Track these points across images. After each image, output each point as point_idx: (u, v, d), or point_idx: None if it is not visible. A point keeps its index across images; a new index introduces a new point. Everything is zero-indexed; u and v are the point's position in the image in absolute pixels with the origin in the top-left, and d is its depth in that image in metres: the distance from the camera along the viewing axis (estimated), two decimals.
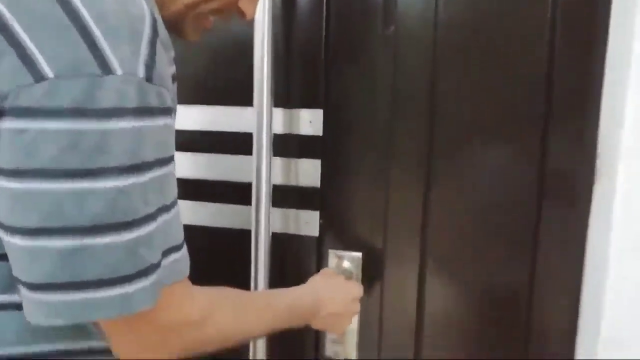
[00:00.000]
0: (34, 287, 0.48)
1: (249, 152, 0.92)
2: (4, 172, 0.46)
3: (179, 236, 0.56)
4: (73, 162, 0.46)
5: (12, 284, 0.51)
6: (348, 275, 0.95)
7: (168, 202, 0.53)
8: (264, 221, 0.91)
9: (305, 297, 0.78)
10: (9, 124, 0.45)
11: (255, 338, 0.72)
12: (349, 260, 0.96)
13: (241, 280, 0.87)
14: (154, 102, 0.50)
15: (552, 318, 0.88)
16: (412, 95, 0.91)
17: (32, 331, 0.53)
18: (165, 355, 0.56)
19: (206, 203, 1.00)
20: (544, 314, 0.88)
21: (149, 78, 0.49)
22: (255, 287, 0.91)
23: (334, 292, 0.82)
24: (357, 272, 0.95)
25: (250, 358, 0.92)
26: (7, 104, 0.45)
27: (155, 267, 0.51)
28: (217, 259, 0.96)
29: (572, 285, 0.86)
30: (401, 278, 0.94)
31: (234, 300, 0.66)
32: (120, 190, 0.47)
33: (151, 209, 0.50)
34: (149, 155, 0.50)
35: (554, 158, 0.85)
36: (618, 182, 0.71)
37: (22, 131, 0.45)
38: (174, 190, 0.55)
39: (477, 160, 0.89)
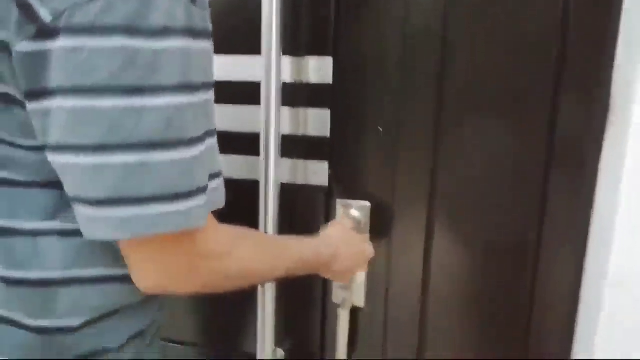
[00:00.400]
0: (97, 202, 0.50)
1: (257, 102, 0.90)
2: (61, 90, 0.47)
3: (219, 164, 0.58)
4: (129, 79, 0.47)
5: (56, 212, 0.55)
6: (356, 224, 0.96)
7: (212, 127, 0.56)
8: (273, 172, 0.91)
9: (323, 250, 0.80)
10: (65, 42, 0.46)
11: (270, 280, 0.74)
12: (357, 209, 0.97)
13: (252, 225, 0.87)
14: (199, 24, 0.51)
15: (558, 274, 0.89)
16: (424, 41, 0.88)
17: (74, 256, 0.56)
18: (188, 286, 0.58)
19: None
20: (550, 271, 0.89)
21: (193, 1, 0.50)
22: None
23: (348, 249, 0.84)
24: (366, 221, 0.96)
25: (258, 303, 0.95)
26: (62, 22, 0.46)
27: (205, 188, 0.54)
28: (226, 210, 0.97)
29: (579, 241, 0.86)
30: (409, 228, 0.95)
31: (255, 239, 0.69)
32: (175, 108, 0.50)
33: (201, 131, 0.53)
34: (197, 77, 0.52)
35: (563, 122, 0.84)
36: (628, 147, 0.70)
37: (78, 49, 0.46)
38: (214, 118, 0.57)
39: (487, 117, 0.88)
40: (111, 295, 0.59)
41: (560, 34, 0.82)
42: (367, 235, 0.94)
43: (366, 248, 0.89)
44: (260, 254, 0.66)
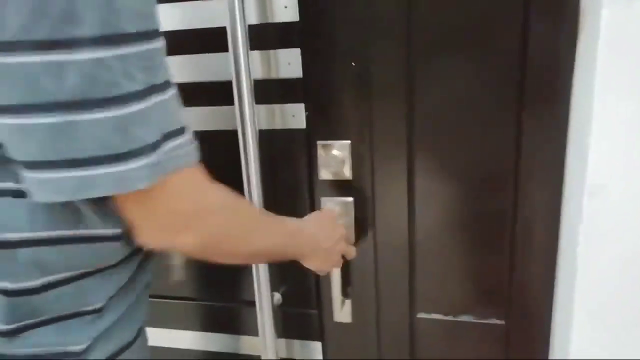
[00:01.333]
0: (30, 165, 0.48)
1: (224, 48, 0.87)
2: None
3: (178, 121, 0.54)
4: (42, 32, 0.43)
5: (8, 172, 0.52)
6: (338, 164, 0.96)
7: (159, 82, 0.51)
8: (249, 119, 0.89)
9: (307, 228, 0.80)
10: None
11: (261, 253, 0.72)
12: (338, 148, 0.96)
13: (234, 182, 0.87)
14: None
15: (538, 195, 0.90)
16: None
17: (30, 217, 0.54)
18: (190, 237, 0.57)
19: (187, 108, 0.96)
20: (531, 191, 0.90)
21: None
22: (248, 187, 0.92)
23: (328, 230, 0.84)
24: (347, 160, 0.96)
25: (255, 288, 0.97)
26: None
27: (152, 147, 0.50)
28: (207, 163, 0.95)
29: (557, 160, 0.87)
30: (390, 163, 0.95)
31: (248, 206, 0.69)
32: (98, 63, 0.45)
33: (138, 87, 0.49)
34: (127, 27, 0.47)
35: (534, 45, 0.82)
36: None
37: None
38: (165, 70, 0.52)
39: (460, 58, 0.86)
40: (74, 257, 0.58)
41: None
42: (343, 229, 0.91)
43: (339, 227, 0.88)
44: (254, 216, 0.67)
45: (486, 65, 0.86)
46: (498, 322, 1.00)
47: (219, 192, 0.60)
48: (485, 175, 0.92)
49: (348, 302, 1.06)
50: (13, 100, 0.45)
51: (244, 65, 0.86)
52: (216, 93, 0.94)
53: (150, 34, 0.50)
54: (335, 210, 0.98)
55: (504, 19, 0.83)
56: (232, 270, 1.10)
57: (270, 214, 0.77)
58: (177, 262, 1.14)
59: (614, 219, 0.74)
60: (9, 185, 0.53)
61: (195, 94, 0.96)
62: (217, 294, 1.14)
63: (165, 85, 0.52)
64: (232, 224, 0.62)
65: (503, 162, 0.90)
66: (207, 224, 0.58)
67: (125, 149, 0.48)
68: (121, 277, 0.64)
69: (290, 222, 0.77)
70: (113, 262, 0.61)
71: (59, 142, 0.46)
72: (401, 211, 0.97)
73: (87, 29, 0.44)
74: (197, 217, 0.57)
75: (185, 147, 0.55)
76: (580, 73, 0.80)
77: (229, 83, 0.88)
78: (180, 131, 0.54)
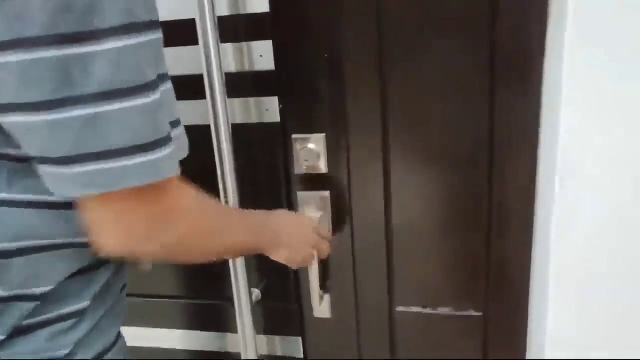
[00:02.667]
0: (61, 161, 0.47)
1: (194, 41, 0.85)
2: (2, 45, 0.44)
3: (177, 110, 0.55)
4: (68, 26, 0.44)
5: (11, 183, 0.52)
6: (315, 158, 0.95)
7: (165, 71, 0.52)
8: (222, 113, 0.87)
9: (272, 219, 0.79)
10: None
11: (230, 250, 0.73)
12: (313, 142, 0.95)
13: (208, 178, 0.85)
14: None
15: (512, 174, 0.90)
16: None
17: (25, 227, 0.53)
18: (150, 245, 0.55)
19: None
20: (505, 172, 0.90)
21: None
22: (223, 182, 0.90)
23: (294, 222, 0.84)
24: (323, 152, 0.95)
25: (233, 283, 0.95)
26: None
27: (169, 137, 0.51)
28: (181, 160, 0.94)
29: (531, 139, 0.87)
30: (366, 153, 0.94)
31: (216, 204, 0.68)
32: (123, 51, 0.46)
33: (154, 75, 0.50)
34: (143, 15, 0.48)
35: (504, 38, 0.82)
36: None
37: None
38: (165, 60, 0.53)
39: (432, 46, 0.86)
40: (62, 263, 0.57)
41: None
42: (316, 222, 0.91)
43: (306, 219, 0.88)
44: (221, 220, 0.66)
45: (457, 52, 0.85)
46: (476, 314, 1.00)
47: (188, 195, 0.59)
48: (460, 164, 0.92)
49: (327, 297, 1.05)
50: (43, 97, 0.45)
51: (215, 59, 0.85)
52: (188, 87, 0.92)
53: (157, 24, 0.51)
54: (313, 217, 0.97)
55: (474, 5, 0.82)
56: (211, 267, 1.09)
57: (234, 209, 0.77)
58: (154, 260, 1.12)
59: (586, 203, 0.74)
60: (13, 197, 0.52)
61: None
62: (196, 291, 1.13)
63: (167, 75, 0.54)
64: (197, 228, 0.60)
65: (477, 149, 0.90)
66: (174, 229, 0.56)
67: (153, 138, 0.49)
68: (101, 279, 0.63)
69: (254, 217, 0.76)
70: (92, 263, 0.60)
71: (89, 134, 0.46)
72: (378, 204, 0.96)
73: (109, 20, 0.45)
74: (166, 221, 0.55)
75: (182, 138, 0.56)
76: (550, 58, 0.79)
77: (201, 77, 0.86)
78: (179, 121, 0.56)
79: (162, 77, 0.52)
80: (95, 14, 0.44)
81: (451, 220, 0.95)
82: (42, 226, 0.54)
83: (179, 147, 0.54)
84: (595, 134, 0.71)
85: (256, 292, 1.06)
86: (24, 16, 0.43)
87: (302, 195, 0.98)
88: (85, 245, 0.56)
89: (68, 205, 0.53)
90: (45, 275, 0.57)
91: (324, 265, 1.02)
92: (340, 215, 0.99)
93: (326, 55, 0.89)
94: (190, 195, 0.59)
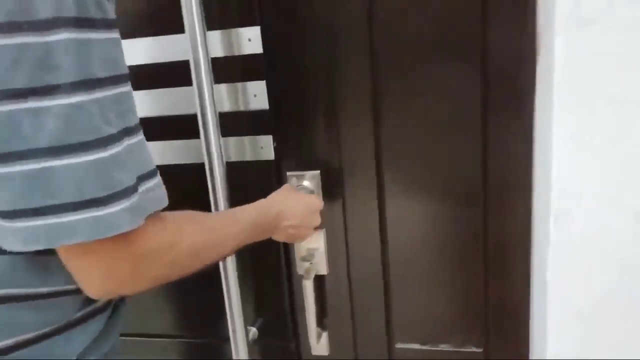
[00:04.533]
0: (5, 215, 0.47)
1: (189, 82, 0.87)
2: None
3: (149, 163, 0.54)
4: (20, 80, 0.44)
5: None
6: (310, 192, 0.95)
7: (131, 125, 0.51)
8: (216, 151, 0.88)
9: (267, 210, 0.78)
10: None
11: (225, 255, 0.72)
12: (308, 179, 0.96)
13: None
14: (94, 12, 0.47)
15: (508, 211, 0.90)
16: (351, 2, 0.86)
17: (32, 273, 0.53)
18: (139, 285, 0.55)
19: (154, 142, 0.96)
20: (500, 210, 0.90)
21: None
22: None
23: (293, 205, 0.83)
24: (318, 190, 0.95)
25: (223, 286, 0.94)
26: None
27: (130, 190, 0.49)
28: (177, 196, 0.94)
29: (524, 178, 0.87)
30: (361, 189, 0.94)
31: (200, 219, 0.65)
32: (75, 107, 0.46)
33: (113, 130, 0.49)
34: (99, 72, 0.48)
35: (494, 52, 0.83)
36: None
37: None
38: (134, 114, 0.52)
39: (423, 66, 0.87)
40: (46, 314, 0.56)
41: None
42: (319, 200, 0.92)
43: (311, 200, 0.88)
44: (207, 234, 0.64)
45: (449, 89, 0.86)
46: (476, 350, 0.98)
47: (164, 230, 0.57)
48: (455, 203, 0.92)
49: (325, 334, 1.03)
50: None
51: (209, 98, 0.86)
52: (184, 126, 0.94)
53: (121, 78, 0.51)
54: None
55: (465, 39, 0.84)
56: (208, 305, 1.08)
57: (224, 215, 0.77)
58: (151, 299, 1.11)
59: (580, 243, 0.73)
60: None
61: (163, 127, 0.96)
62: (192, 330, 1.12)
63: (136, 128, 0.53)
64: (182, 255, 0.59)
65: (472, 187, 0.90)
66: (158, 265, 0.55)
67: (104, 193, 0.48)
68: (94, 328, 0.61)
69: (248, 214, 0.75)
70: (78, 315, 0.59)
71: (35, 189, 0.46)
72: (374, 241, 0.96)
73: (64, 75, 0.45)
74: (147, 261, 0.54)
75: (158, 189, 0.54)
76: (540, 97, 0.80)
77: (195, 116, 0.88)
78: (152, 173, 0.54)
79: (128, 131, 0.51)
80: (47, 70, 0.44)
81: (448, 257, 0.95)
82: (16, 273, 0.53)
83: (151, 198, 0.53)
84: (589, 171, 0.71)
85: (252, 330, 1.05)
86: None
87: None
88: (63, 294, 0.55)
89: (42, 252, 0.51)
90: (19, 328, 0.55)
91: (321, 302, 1.01)
92: (336, 252, 0.99)
93: (319, 94, 0.91)
94: (171, 227, 0.57)
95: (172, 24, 0.86)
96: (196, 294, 1.08)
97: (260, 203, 0.80)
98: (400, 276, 0.98)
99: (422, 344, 1.00)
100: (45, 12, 0.44)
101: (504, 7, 0.81)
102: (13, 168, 0.45)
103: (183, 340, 1.13)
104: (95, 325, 0.61)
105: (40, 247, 0.48)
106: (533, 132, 0.83)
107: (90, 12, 0.47)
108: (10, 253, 0.50)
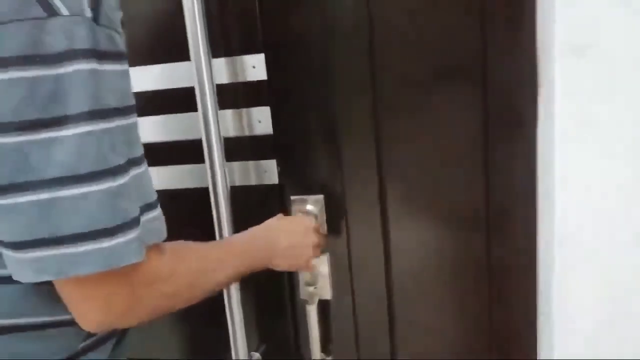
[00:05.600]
0: (15, 245, 0.47)
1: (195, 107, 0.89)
2: None
3: (152, 194, 0.54)
4: (31, 112, 0.44)
5: None
6: (314, 216, 0.95)
7: (137, 155, 0.52)
8: (220, 176, 0.89)
9: (259, 234, 0.78)
10: None
11: (221, 286, 0.72)
12: (311, 203, 0.96)
13: (208, 239, 0.86)
14: (104, 45, 0.48)
15: (511, 236, 0.89)
16: (351, 25, 0.87)
17: (39, 302, 0.52)
18: (134, 318, 0.55)
19: (159, 167, 0.97)
20: (504, 233, 0.90)
21: (95, 19, 0.47)
22: None
23: (286, 225, 0.83)
24: (322, 214, 0.95)
25: (226, 311, 0.94)
26: None
27: (136, 221, 0.50)
28: (181, 221, 0.95)
29: (528, 220, 0.87)
30: (364, 214, 0.95)
31: (195, 248, 0.65)
32: (85, 136, 0.46)
33: (122, 160, 0.49)
34: (110, 102, 0.48)
35: (494, 79, 0.84)
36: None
37: None
38: (140, 144, 0.53)
39: (423, 94, 0.88)
40: (46, 345, 0.56)
41: None
42: (314, 221, 0.92)
43: (302, 219, 0.87)
44: (203, 261, 0.64)
45: (451, 116, 0.87)
46: None
47: (168, 256, 0.57)
48: (458, 225, 0.91)
49: None
50: (1, 181, 0.45)
51: (214, 124, 0.87)
52: (189, 151, 0.95)
53: (129, 109, 0.51)
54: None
55: (465, 66, 0.85)
56: (210, 330, 1.08)
57: (218, 244, 0.77)
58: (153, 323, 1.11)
59: (585, 267, 0.73)
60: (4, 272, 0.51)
61: (169, 152, 0.97)
62: (196, 355, 1.11)
63: (141, 159, 0.53)
64: (178, 286, 0.59)
65: (475, 211, 0.90)
66: (154, 298, 0.56)
67: (113, 224, 0.48)
68: (99, 358, 0.61)
69: (243, 243, 0.75)
70: (83, 346, 0.58)
71: (44, 219, 0.46)
72: (377, 264, 0.96)
73: (74, 106, 0.46)
74: (143, 294, 0.54)
75: (159, 219, 0.55)
76: (543, 121, 0.81)
77: (200, 141, 0.89)
78: (153, 205, 0.54)
79: (134, 162, 0.51)
80: (58, 102, 0.45)
81: (452, 282, 0.94)
82: (23, 303, 0.53)
83: (151, 230, 0.53)
84: (592, 196, 0.71)
85: (256, 356, 1.04)
86: None
87: None
88: (67, 324, 0.55)
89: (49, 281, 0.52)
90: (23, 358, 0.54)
91: (325, 327, 1.00)
92: (340, 275, 0.98)
93: (322, 120, 0.92)
94: (167, 259, 0.57)
95: (178, 52, 0.88)
96: (200, 319, 1.07)
97: (254, 228, 0.80)
98: (404, 301, 0.97)
99: None
100: (58, 45, 0.45)
101: (504, 35, 0.82)
102: (22, 199, 0.45)
103: None
104: (100, 356, 0.61)
105: (50, 278, 0.48)
106: (536, 157, 0.84)
107: (102, 44, 0.47)
108: (18, 282, 0.50)
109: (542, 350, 0.88)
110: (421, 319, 0.97)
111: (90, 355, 0.59)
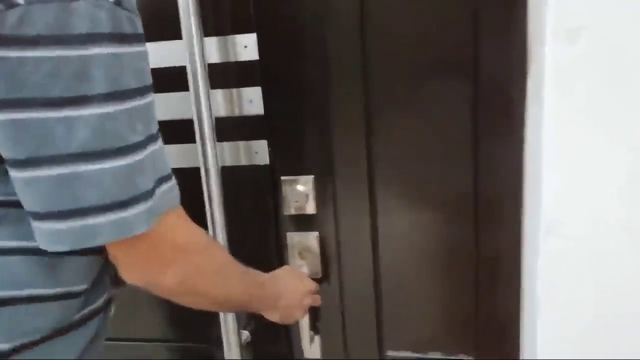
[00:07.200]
0: (36, 216, 0.50)
1: (186, 87, 0.88)
2: None
3: (167, 166, 0.58)
4: (56, 90, 0.47)
5: (19, 231, 0.53)
6: (304, 196, 0.96)
7: (154, 132, 0.55)
8: (211, 156, 0.90)
9: (271, 282, 0.80)
10: None
11: (229, 300, 0.73)
12: (301, 183, 0.97)
13: (198, 220, 0.86)
14: (127, 28, 0.50)
15: (498, 224, 0.91)
16: (343, 9, 0.87)
17: (40, 274, 0.55)
18: (171, 274, 0.59)
19: None
20: (490, 222, 0.91)
21: (117, 2, 0.49)
22: (212, 224, 0.92)
23: (293, 287, 0.85)
24: (311, 194, 0.96)
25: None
26: None
27: (148, 194, 0.53)
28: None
29: (514, 209, 0.88)
30: (353, 197, 0.96)
31: (223, 248, 0.72)
32: (106, 117, 0.49)
33: (140, 137, 0.52)
34: (129, 83, 0.51)
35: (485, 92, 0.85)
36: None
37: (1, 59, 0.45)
38: (155, 121, 0.56)
39: (413, 80, 0.88)
40: (46, 316, 0.57)
41: None
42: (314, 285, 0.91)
43: (310, 285, 0.88)
44: (228, 264, 0.69)
45: (441, 103, 0.88)
46: (466, 358, 0.99)
47: (200, 234, 0.63)
48: (446, 212, 0.93)
49: (317, 338, 1.04)
50: (21, 154, 0.48)
51: (205, 104, 0.87)
52: (180, 131, 0.95)
53: (147, 88, 0.54)
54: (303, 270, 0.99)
55: (456, 55, 0.86)
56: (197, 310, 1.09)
57: (240, 263, 0.78)
58: (140, 303, 1.12)
59: (571, 255, 0.74)
60: (23, 244, 0.53)
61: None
62: (183, 334, 1.13)
63: (157, 135, 0.56)
64: (210, 265, 0.64)
65: (463, 198, 0.91)
66: (188, 262, 0.60)
67: (125, 197, 0.51)
68: (92, 328, 0.62)
69: (257, 274, 0.78)
70: (78, 317, 0.60)
71: (63, 193, 0.49)
72: (365, 250, 0.97)
73: (97, 87, 0.48)
74: (181, 254, 0.59)
75: (173, 190, 0.58)
76: (531, 110, 0.82)
77: (191, 121, 0.89)
78: (169, 177, 0.57)
79: (151, 138, 0.54)
80: (83, 81, 0.47)
81: (439, 268, 0.96)
82: (25, 274, 0.55)
83: (167, 200, 0.56)
84: (580, 184, 0.72)
85: (245, 334, 1.06)
86: (13, 78, 0.46)
87: (291, 235, 1.00)
88: (67, 297, 0.57)
89: (52, 254, 0.54)
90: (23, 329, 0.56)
91: (313, 306, 1.02)
92: (328, 256, 1.00)
93: (313, 101, 0.92)
94: (202, 234, 0.63)
95: (170, 31, 0.88)
96: None
97: (266, 274, 0.81)
98: (391, 284, 0.99)
99: (413, 351, 1.01)
100: (81, 27, 0.46)
101: (494, 22, 0.83)
102: (43, 172, 0.48)
103: (173, 344, 1.13)
104: (93, 326, 0.62)
105: (65, 249, 0.51)
106: (523, 146, 0.85)
107: (123, 27, 0.50)
108: (26, 254, 0.53)
109: (526, 336, 0.91)
110: (408, 303, 0.99)
111: (86, 325, 0.61)
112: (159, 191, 0.55)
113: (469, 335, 0.98)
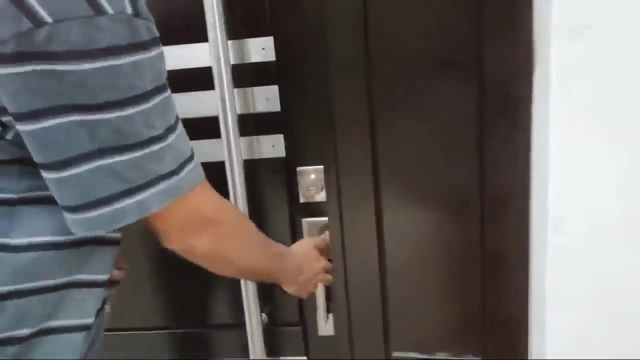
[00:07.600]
0: (71, 209, 0.56)
1: (206, 87, 0.96)
2: (19, 116, 0.52)
3: (188, 150, 0.63)
4: (81, 98, 0.52)
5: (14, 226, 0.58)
6: (316, 185, 1.05)
7: (172, 122, 0.60)
8: (235, 150, 0.97)
9: (291, 256, 0.88)
10: (12, 69, 0.49)
11: (252, 268, 0.80)
12: (314, 173, 1.06)
13: None
14: (145, 35, 0.55)
15: (504, 223, 0.89)
16: (344, 10, 0.88)
17: (18, 270, 0.59)
18: (205, 239, 0.67)
19: None
20: (497, 219, 0.90)
21: (135, 13, 0.53)
22: None
23: (310, 263, 0.93)
24: (323, 183, 1.04)
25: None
26: (9, 49, 0.48)
27: (166, 176, 0.59)
28: None
29: (521, 205, 0.86)
30: (357, 184, 0.95)
31: (249, 219, 0.79)
32: (125, 118, 0.54)
33: (158, 132, 0.58)
34: (148, 85, 0.56)
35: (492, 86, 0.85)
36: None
37: (28, 74, 0.50)
38: (174, 110, 0.62)
39: (419, 77, 0.89)
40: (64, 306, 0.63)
41: None
42: (326, 263, 0.97)
43: (328, 265, 0.95)
44: (256, 234, 0.76)
45: (446, 100, 0.88)
46: (474, 358, 0.97)
47: (228, 205, 0.72)
48: (452, 209, 0.92)
49: (331, 316, 1.11)
50: (53, 158, 0.54)
51: (229, 102, 0.95)
52: (203, 127, 1.02)
53: (164, 85, 0.59)
54: (325, 239, 1.02)
55: (461, 51, 0.87)
56: (218, 294, 1.16)
57: (263, 234, 0.84)
58: (168, 292, 1.17)
59: (578, 251, 0.73)
60: (6, 241, 0.58)
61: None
62: (195, 320, 1.19)
63: (176, 123, 0.62)
64: (238, 233, 0.73)
65: (469, 194, 0.90)
66: (219, 231, 0.68)
67: (142, 181, 0.57)
68: (97, 324, 0.69)
69: (279, 245, 0.85)
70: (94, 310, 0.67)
71: (91, 186, 0.55)
72: (371, 250, 0.95)
73: (118, 94, 0.53)
74: (211, 224, 0.67)
75: (197, 169, 0.65)
76: (537, 105, 0.80)
77: (214, 118, 0.96)
78: (190, 158, 0.64)
79: (170, 129, 0.59)
80: (106, 91, 0.52)
81: (445, 265, 0.95)
82: (40, 267, 0.60)
83: (191, 178, 0.63)
84: (587, 180, 0.70)
85: (263, 316, 1.13)
86: (44, 89, 0.50)
87: (305, 221, 1.08)
88: (79, 285, 0.64)
89: (69, 245, 0.61)
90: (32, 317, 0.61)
91: (327, 287, 1.07)
92: (337, 243, 1.02)
93: (324, 99, 0.96)
94: (230, 205, 0.73)
95: (196, 34, 0.95)
96: (208, 284, 1.16)
97: (287, 248, 0.89)
98: (397, 284, 0.98)
99: (420, 352, 1.00)
100: (104, 41, 0.51)
101: (499, 20, 0.83)
102: (73, 171, 0.54)
103: (188, 330, 1.19)
104: (98, 322, 0.69)
105: (102, 231, 0.59)
106: (530, 142, 0.82)
107: (142, 36, 0.54)
108: (38, 249, 0.60)
109: (534, 334, 0.89)
110: (414, 302, 0.98)
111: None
112: (183, 172, 0.61)
113: (476, 335, 0.96)
